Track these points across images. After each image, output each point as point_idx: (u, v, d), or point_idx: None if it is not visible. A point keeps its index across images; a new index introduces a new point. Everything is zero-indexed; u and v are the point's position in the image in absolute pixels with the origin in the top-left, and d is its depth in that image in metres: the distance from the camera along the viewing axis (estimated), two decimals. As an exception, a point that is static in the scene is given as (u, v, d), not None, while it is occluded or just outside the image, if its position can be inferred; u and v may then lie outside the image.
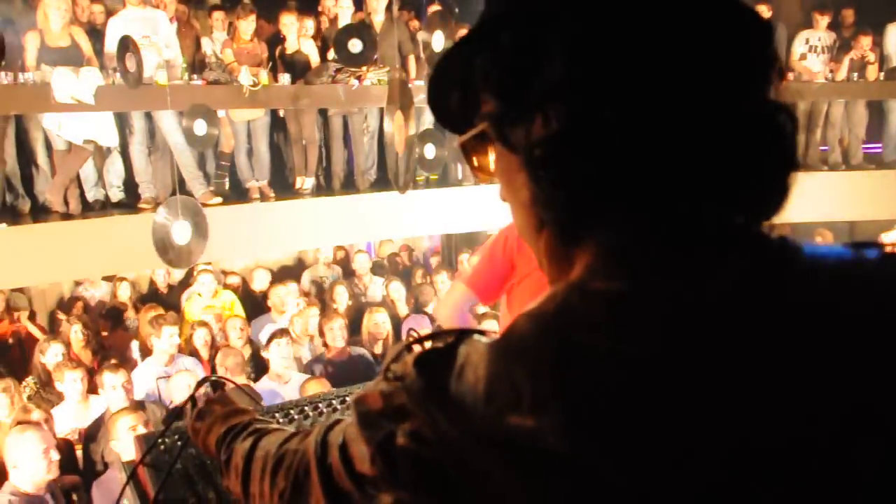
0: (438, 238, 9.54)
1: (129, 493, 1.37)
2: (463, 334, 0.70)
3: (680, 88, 0.62)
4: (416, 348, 0.75)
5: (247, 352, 5.44)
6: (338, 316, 4.94)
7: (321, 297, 6.87)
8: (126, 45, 5.53)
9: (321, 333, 4.91)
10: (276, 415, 1.51)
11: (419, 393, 0.66)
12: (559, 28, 0.64)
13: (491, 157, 0.75)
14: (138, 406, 4.24)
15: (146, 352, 5.86)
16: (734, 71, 0.63)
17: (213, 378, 1.50)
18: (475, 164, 0.77)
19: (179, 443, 1.44)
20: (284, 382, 4.35)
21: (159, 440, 1.43)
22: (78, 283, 7.54)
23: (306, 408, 1.54)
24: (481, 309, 5.18)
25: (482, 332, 0.70)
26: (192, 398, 1.46)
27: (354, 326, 5.57)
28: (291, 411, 1.53)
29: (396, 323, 5.74)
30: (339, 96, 6.75)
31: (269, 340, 4.38)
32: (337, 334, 4.75)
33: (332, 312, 5.10)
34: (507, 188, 0.73)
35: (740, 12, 0.65)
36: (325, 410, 1.54)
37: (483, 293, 2.54)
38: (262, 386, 4.31)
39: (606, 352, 0.58)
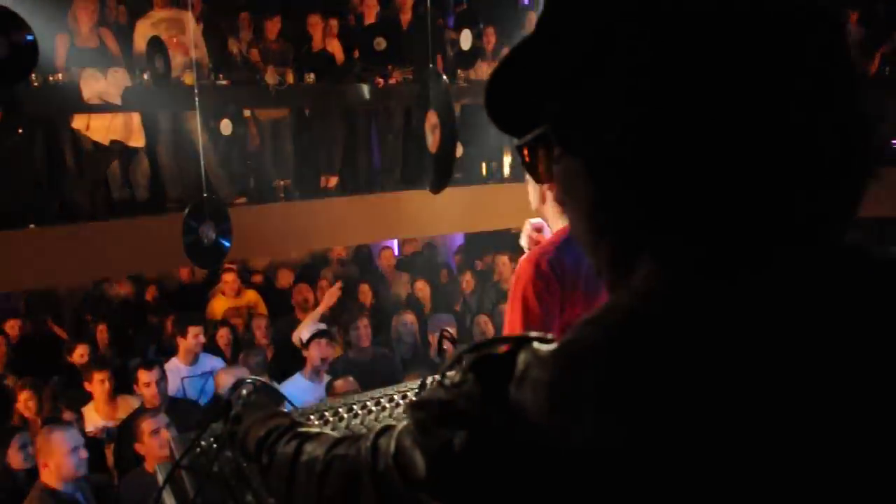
0: (461, 237, 9.52)
1: (166, 496, 1.36)
2: (521, 341, 0.68)
3: (763, 98, 0.59)
4: (471, 355, 0.72)
5: (271, 351, 5.46)
6: (363, 315, 4.93)
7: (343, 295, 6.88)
8: (155, 45, 5.56)
9: (345, 332, 4.90)
10: (311, 417, 1.49)
11: (479, 400, 0.64)
12: (636, 29, 0.62)
13: (549, 160, 0.73)
14: (170, 405, 4.25)
15: (165, 351, 5.90)
16: (818, 82, 0.61)
17: (249, 381, 1.49)
18: (533, 166, 0.76)
19: (216, 445, 1.43)
20: (319, 381, 4.36)
21: (195, 442, 1.41)
22: (103, 281, 7.60)
23: (340, 410, 1.52)
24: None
25: (541, 339, 0.68)
26: (228, 401, 1.45)
27: (379, 326, 5.57)
28: (326, 413, 1.50)
29: (422, 322, 5.72)
30: (364, 95, 6.75)
31: (311, 340, 4.39)
32: (362, 333, 4.74)
33: (356, 312, 5.10)
34: (568, 192, 0.71)
35: (822, 18, 0.62)
36: (360, 412, 1.51)
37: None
38: (298, 384, 4.32)
39: (677, 365, 0.56)
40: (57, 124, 6.07)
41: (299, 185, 6.92)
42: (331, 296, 5.30)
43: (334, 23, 7.13)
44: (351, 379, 4.00)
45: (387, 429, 0.87)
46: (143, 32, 6.25)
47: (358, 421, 1.49)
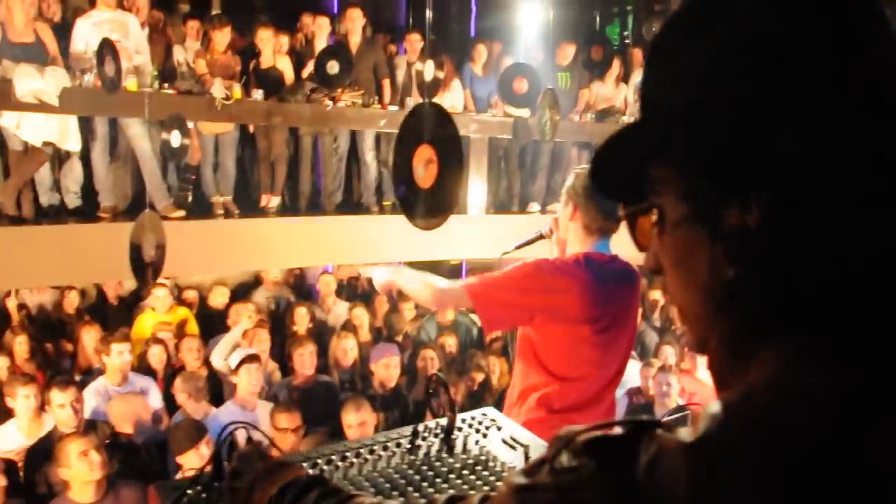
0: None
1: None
2: (637, 424, 0.65)
3: None
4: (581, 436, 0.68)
5: (203, 373, 5.24)
6: (308, 342, 4.80)
7: (275, 318, 6.71)
8: (106, 48, 5.34)
9: (288, 358, 4.76)
10: (318, 461, 1.43)
11: (606, 490, 0.61)
12: (783, 114, 0.62)
13: (659, 227, 0.73)
14: (88, 427, 4.03)
15: (82, 369, 5.60)
16: None
17: (238, 426, 1.41)
18: (641, 232, 0.76)
19: (204, 496, 1.34)
20: (251, 409, 4.19)
21: (184, 494, 1.32)
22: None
23: (333, 457, 1.48)
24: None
25: (657, 424, 0.65)
26: (218, 451, 1.37)
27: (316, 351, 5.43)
28: (318, 461, 1.45)
29: (360, 347, 5.61)
30: (311, 116, 6.65)
31: (240, 365, 4.21)
32: (307, 360, 4.62)
33: (302, 337, 4.96)
34: (684, 262, 0.71)
35: None
36: (368, 457, 1.49)
37: (488, 319, 2.37)
38: (227, 411, 4.14)
39: (836, 461, 0.54)
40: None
41: (240, 202, 6.74)
42: (250, 318, 5.18)
43: (285, 40, 7.03)
44: (294, 408, 3.87)
45: (449, 502, 0.83)
46: (83, 32, 5.99)
47: (355, 471, 1.45)
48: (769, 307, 0.64)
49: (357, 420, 3.87)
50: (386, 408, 4.54)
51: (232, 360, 4.34)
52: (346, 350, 5.18)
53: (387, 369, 4.63)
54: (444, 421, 1.64)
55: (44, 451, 3.92)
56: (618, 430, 0.65)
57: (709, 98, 0.66)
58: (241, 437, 1.61)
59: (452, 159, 2.93)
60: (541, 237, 2.57)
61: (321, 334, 6.08)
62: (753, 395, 0.61)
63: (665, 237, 0.71)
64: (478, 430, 1.65)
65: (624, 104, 8.11)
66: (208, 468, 1.38)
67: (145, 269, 4.31)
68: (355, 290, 8.05)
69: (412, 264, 8.79)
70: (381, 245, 6.59)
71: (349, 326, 6.18)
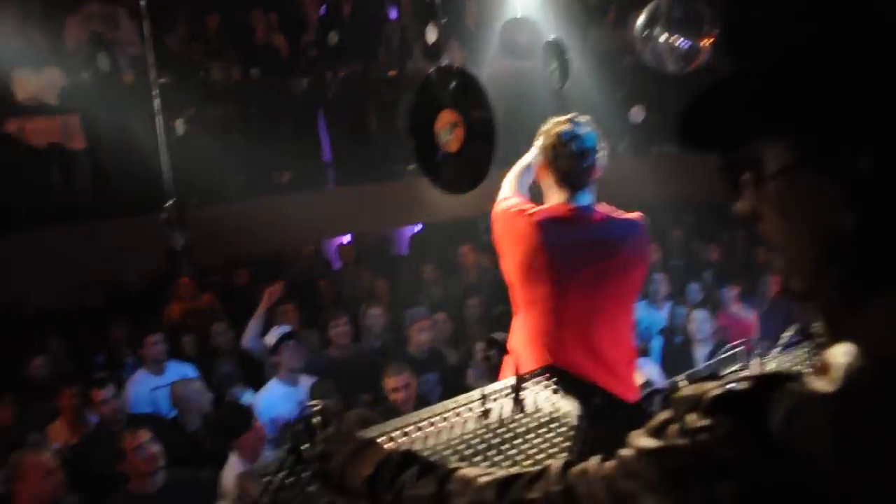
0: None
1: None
2: (766, 378, 0.65)
3: None
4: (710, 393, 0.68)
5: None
6: (341, 312, 4.84)
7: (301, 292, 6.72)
8: (97, 41, 5.28)
9: (322, 329, 4.77)
10: (393, 435, 1.45)
11: (748, 444, 0.61)
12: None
13: (757, 177, 0.72)
14: (137, 420, 4.06)
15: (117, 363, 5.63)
16: None
17: (315, 408, 1.41)
18: (733, 182, 0.76)
19: (290, 480, 1.36)
20: (295, 385, 4.24)
21: (273, 480, 1.34)
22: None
23: (421, 424, 1.49)
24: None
25: (789, 377, 0.65)
26: (298, 433, 1.37)
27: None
28: (408, 430, 1.47)
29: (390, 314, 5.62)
30: (312, 88, 6.58)
31: (278, 344, 4.25)
32: (342, 331, 4.65)
33: (333, 309, 4.99)
34: (791, 212, 0.70)
35: None
36: (441, 425, 1.49)
37: None
38: (275, 391, 4.19)
39: None
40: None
41: (252, 183, 6.72)
42: (271, 295, 5.17)
43: (274, 16, 6.93)
44: (331, 387, 3.90)
45: (574, 469, 0.83)
46: (74, 28, 5.93)
47: (433, 440, 1.46)
48: (886, 256, 0.63)
49: (401, 383, 3.91)
50: (425, 370, 4.58)
51: (269, 340, 4.39)
52: (373, 317, 5.20)
53: (421, 332, 4.68)
54: (509, 381, 1.64)
55: (92, 448, 3.99)
56: (744, 385, 0.65)
57: (818, 41, 0.64)
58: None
59: (481, 124, 2.89)
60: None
61: (348, 304, 6.09)
62: (883, 343, 0.60)
63: (768, 185, 0.70)
64: (546, 387, 1.65)
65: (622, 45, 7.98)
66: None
67: (178, 258, 4.33)
68: (375, 258, 8.04)
69: (435, 225, 8.80)
70: (400, 210, 6.57)
71: (375, 295, 6.21)
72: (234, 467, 3.64)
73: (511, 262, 2.38)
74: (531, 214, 2.32)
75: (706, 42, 5.30)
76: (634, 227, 2.39)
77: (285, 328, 4.49)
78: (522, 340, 2.36)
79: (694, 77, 6.28)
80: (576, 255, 2.30)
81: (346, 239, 7.91)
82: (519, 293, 2.39)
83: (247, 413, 3.74)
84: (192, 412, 4.08)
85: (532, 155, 2.46)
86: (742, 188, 0.74)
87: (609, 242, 2.33)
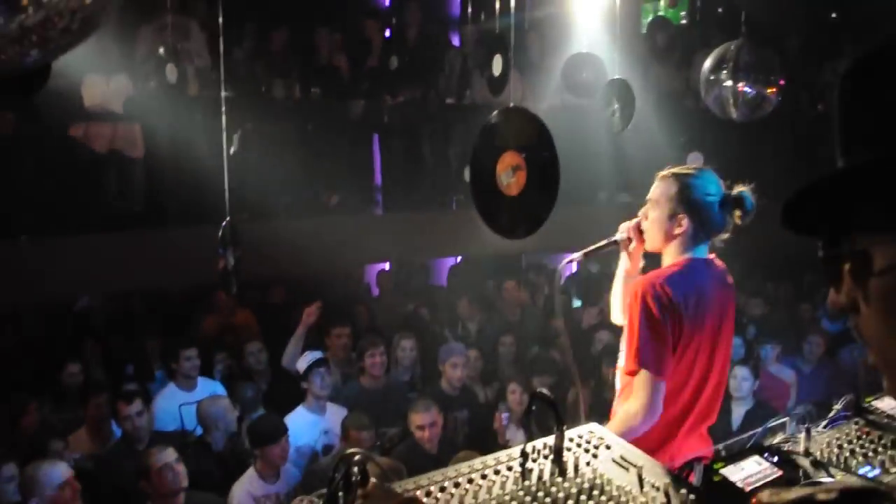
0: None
1: None
2: (857, 495, 0.68)
3: None
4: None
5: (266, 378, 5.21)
6: (378, 341, 4.78)
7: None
8: (169, 53, 5.38)
9: (359, 357, 4.70)
10: (431, 489, 1.38)
11: None
12: None
13: (862, 270, 0.72)
14: (164, 437, 4.02)
15: (147, 375, 5.62)
16: None
17: (357, 457, 1.34)
18: (835, 273, 0.76)
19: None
20: (322, 413, 4.18)
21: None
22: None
23: (459, 480, 1.44)
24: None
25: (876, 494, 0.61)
26: (336, 481, 1.31)
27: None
28: (445, 485, 1.41)
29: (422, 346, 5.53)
30: (369, 112, 6.61)
31: (310, 369, 4.20)
32: (378, 361, 4.59)
33: (371, 337, 4.92)
34: (893, 311, 0.70)
35: None
36: (481, 483, 1.43)
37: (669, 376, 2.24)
38: (302, 418, 4.14)
39: None
40: (53, 132, 5.81)
41: (301, 202, 6.74)
42: (308, 315, 5.13)
43: (339, 37, 7.01)
44: (366, 420, 3.82)
45: None
46: (146, 38, 6.05)
47: (472, 498, 1.39)
48: None
49: (427, 420, 3.83)
50: (455, 408, 4.49)
51: (300, 365, 4.33)
52: (405, 348, 5.14)
53: (454, 368, 4.58)
54: (551, 440, 1.56)
55: (112, 462, 3.95)
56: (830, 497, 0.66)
57: None
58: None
59: (545, 170, 2.82)
60: (614, 244, 2.45)
61: (383, 332, 6.03)
62: None
63: (873, 281, 0.70)
64: (587, 450, 1.57)
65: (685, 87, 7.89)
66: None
67: (228, 277, 4.32)
68: (413, 287, 8.00)
69: (475, 259, 8.73)
70: (443, 241, 6.53)
71: (409, 325, 6.14)
72: (249, 482, 3.58)
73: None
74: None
75: (772, 91, 5.19)
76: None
77: (317, 354, 4.42)
78: None
79: (755, 126, 6.16)
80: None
81: (386, 266, 7.90)
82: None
83: (280, 426, 3.69)
84: (218, 430, 4.04)
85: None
86: (842, 279, 0.74)
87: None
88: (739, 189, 2.28)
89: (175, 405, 4.54)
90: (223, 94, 4.54)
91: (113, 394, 4.32)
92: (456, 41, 8.25)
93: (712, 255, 2.37)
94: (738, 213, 2.26)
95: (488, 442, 4.14)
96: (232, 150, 5.76)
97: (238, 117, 6.26)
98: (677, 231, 2.28)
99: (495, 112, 3.24)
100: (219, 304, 6.15)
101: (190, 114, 5.76)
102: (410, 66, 6.68)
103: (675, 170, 2.34)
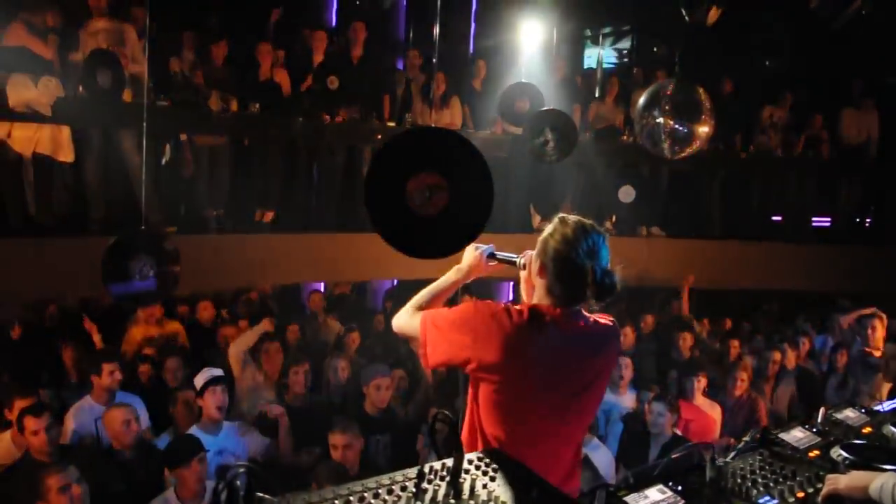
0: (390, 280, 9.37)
1: None
2: None
3: None
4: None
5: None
6: (303, 360, 4.70)
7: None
8: (104, 58, 5.26)
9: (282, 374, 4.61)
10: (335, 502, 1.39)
11: None
12: None
13: None
14: (68, 454, 3.82)
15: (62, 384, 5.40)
16: None
17: (241, 468, 1.31)
18: None
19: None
20: (215, 434, 4.05)
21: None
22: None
23: (351, 498, 1.42)
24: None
25: None
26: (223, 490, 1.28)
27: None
28: (336, 501, 1.40)
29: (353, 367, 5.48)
30: (308, 130, 6.57)
31: (205, 387, 4.07)
32: (302, 379, 4.51)
33: (296, 355, 4.84)
34: None
35: None
36: (372, 502, 1.43)
37: (425, 352, 2.11)
38: (193, 434, 3.96)
39: None
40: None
41: (233, 217, 6.64)
42: (261, 327, 5.07)
43: (282, 53, 6.97)
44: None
45: None
46: (83, 42, 5.92)
47: None
48: None
49: (343, 442, 3.78)
50: (377, 430, 4.43)
51: (196, 382, 4.17)
52: (336, 369, 5.07)
53: (378, 391, 4.51)
54: (449, 462, 1.56)
55: (11, 482, 3.73)
56: None
57: None
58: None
59: (473, 188, 2.77)
60: (514, 264, 2.28)
61: (314, 352, 5.96)
62: None
63: None
64: (485, 472, 1.57)
65: (621, 124, 8.11)
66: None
67: (143, 288, 4.20)
68: (346, 308, 7.93)
69: (410, 283, 8.73)
70: (378, 263, 6.49)
71: (341, 345, 6.08)
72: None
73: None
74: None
75: (702, 129, 5.36)
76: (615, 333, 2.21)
77: (216, 371, 4.27)
78: None
79: (685, 162, 6.34)
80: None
81: (322, 286, 7.82)
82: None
83: (195, 447, 3.55)
84: (124, 443, 3.90)
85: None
86: None
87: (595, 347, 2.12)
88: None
89: (91, 418, 4.36)
90: (146, 101, 4.44)
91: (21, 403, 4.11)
92: (400, 64, 8.30)
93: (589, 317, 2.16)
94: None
95: (411, 465, 4.06)
96: (164, 161, 5.65)
97: (172, 127, 6.16)
98: (537, 276, 2.11)
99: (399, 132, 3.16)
100: (145, 316, 5.99)
101: (126, 121, 5.63)
102: (352, 86, 6.67)
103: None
